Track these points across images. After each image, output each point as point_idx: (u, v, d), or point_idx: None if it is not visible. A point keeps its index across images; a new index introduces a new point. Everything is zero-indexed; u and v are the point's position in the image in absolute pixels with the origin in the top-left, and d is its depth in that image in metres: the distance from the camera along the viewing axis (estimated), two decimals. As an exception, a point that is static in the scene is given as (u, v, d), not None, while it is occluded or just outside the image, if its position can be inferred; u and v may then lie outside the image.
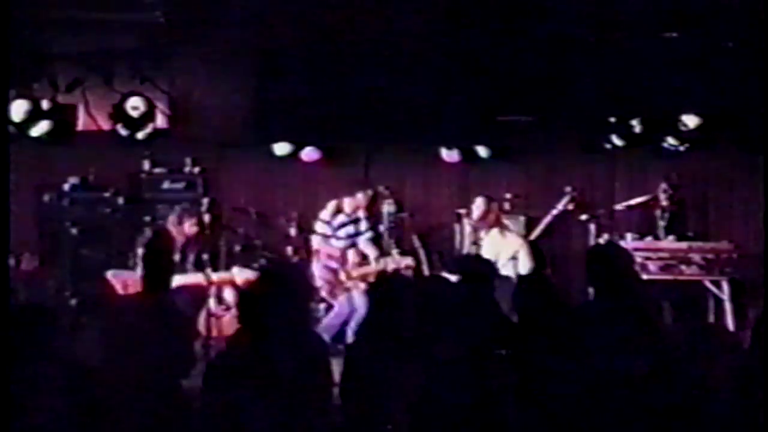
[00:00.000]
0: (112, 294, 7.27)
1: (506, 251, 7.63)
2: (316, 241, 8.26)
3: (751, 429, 3.45)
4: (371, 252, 8.16)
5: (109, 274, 7.47)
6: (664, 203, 8.34)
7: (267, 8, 7.75)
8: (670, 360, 3.94)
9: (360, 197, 8.22)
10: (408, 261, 8.06)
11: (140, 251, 7.29)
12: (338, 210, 8.26)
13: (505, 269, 7.27)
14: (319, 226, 8.25)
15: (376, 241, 8.34)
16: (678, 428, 3.65)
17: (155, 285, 4.59)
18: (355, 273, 8.02)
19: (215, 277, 7.43)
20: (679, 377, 3.75)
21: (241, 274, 7.54)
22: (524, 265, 7.55)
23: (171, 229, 7.64)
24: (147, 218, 8.54)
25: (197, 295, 7.35)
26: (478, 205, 8.00)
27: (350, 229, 8.17)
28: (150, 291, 4.59)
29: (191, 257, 7.55)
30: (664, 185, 8.38)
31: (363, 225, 8.22)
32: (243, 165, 9.45)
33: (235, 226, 8.74)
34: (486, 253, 7.64)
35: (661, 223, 8.31)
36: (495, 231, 7.87)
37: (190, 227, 7.65)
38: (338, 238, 8.16)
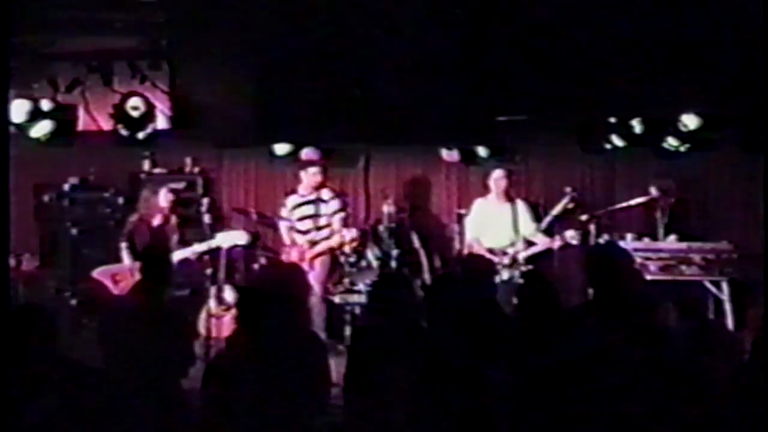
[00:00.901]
0: (112, 294, 7.29)
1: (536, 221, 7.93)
2: (282, 228, 8.25)
3: (752, 429, 3.45)
4: (345, 232, 8.03)
5: (96, 273, 7.46)
6: (660, 204, 8.33)
7: (267, 8, 7.75)
8: (671, 360, 3.94)
9: (304, 176, 8.10)
10: (352, 234, 7.95)
11: (124, 245, 7.33)
12: (292, 191, 8.24)
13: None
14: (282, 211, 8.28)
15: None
16: (679, 428, 3.65)
17: (154, 276, 4.61)
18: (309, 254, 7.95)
19: (205, 246, 7.41)
20: (680, 377, 3.75)
21: (226, 239, 7.48)
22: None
23: (143, 210, 7.55)
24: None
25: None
26: (500, 176, 8.00)
27: (308, 209, 8.07)
28: (149, 283, 4.60)
29: (174, 237, 7.51)
30: (654, 191, 8.36)
31: (328, 206, 8.05)
32: (243, 165, 9.46)
33: (234, 226, 8.74)
34: (524, 226, 7.76)
35: (660, 224, 8.30)
36: (521, 203, 7.96)
37: (165, 195, 7.60)
38: (291, 220, 8.10)
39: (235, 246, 7.60)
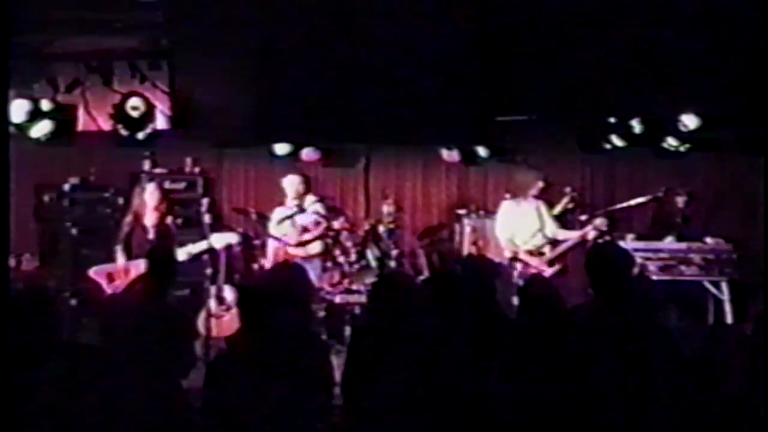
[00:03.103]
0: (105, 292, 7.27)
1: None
2: (271, 246, 8.15)
3: (752, 428, 3.45)
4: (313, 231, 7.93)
5: (92, 272, 7.43)
6: (681, 206, 8.30)
7: (267, 8, 7.75)
8: (671, 359, 3.94)
9: (287, 185, 8.03)
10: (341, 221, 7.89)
11: (119, 246, 7.29)
12: (280, 203, 8.14)
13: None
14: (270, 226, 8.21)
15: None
16: (680, 427, 3.66)
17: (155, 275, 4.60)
18: None
19: (199, 248, 7.35)
20: (681, 377, 3.75)
21: (218, 240, 7.40)
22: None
23: (134, 210, 7.47)
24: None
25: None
26: (540, 178, 7.88)
27: (288, 224, 7.96)
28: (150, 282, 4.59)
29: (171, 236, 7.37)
30: (681, 197, 8.31)
31: (307, 216, 7.95)
32: (243, 165, 9.46)
33: (234, 226, 8.75)
34: (550, 229, 7.67)
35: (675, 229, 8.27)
36: (541, 203, 7.84)
37: (152, 193, 7.46)
38: (281, 240, 8.02)
39: (229, 246, 7.52)
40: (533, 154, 9.21)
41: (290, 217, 7.96)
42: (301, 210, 7.96)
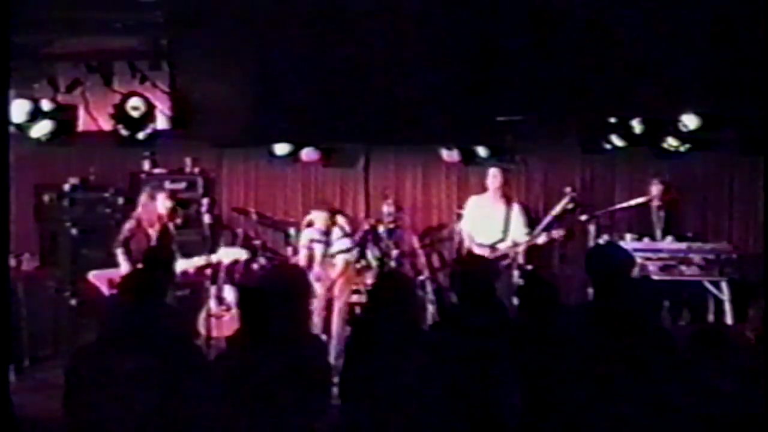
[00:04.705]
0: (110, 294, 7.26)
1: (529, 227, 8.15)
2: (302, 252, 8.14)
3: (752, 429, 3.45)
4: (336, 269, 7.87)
5: (91, 276, 7.43)
6: (657, 203, 8.36)
7: (267, 8, 7.74)
8: (670, 360, 3.94)
9: (315, 217, 8.02)
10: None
11: (120, 250, 7.27)
12: (309, 224, 8.14)
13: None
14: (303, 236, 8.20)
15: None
16: (679, 428, 3.66)
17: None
18: None
19: (204, 260, 7.35)
20: (681, 377, 3.75)
21: (226, 255, 7.41)
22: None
23: (141, 216, 7.46)
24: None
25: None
26: (494, 174, 8.27)
27: (320, 248, 7.95)
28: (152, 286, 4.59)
29: (173, 245, 7.33)
30: (656, 186, 8.41)
31: (335, 246, 7.91)
32: (243, 165, 9.47)
33: (234, 226, 8.76)
34: (515, 230, 7.88)
35: (657, 224, 8.31)
36: (517, 207, 8.10)
37: (164, 202, 7.52)
38: (311, 247, 8.01)
39: (236, 261, 7.58)
40: (533, 154, 9.24)
41: (319, 242, 7.95)
42: (327, 244, 7.97)
